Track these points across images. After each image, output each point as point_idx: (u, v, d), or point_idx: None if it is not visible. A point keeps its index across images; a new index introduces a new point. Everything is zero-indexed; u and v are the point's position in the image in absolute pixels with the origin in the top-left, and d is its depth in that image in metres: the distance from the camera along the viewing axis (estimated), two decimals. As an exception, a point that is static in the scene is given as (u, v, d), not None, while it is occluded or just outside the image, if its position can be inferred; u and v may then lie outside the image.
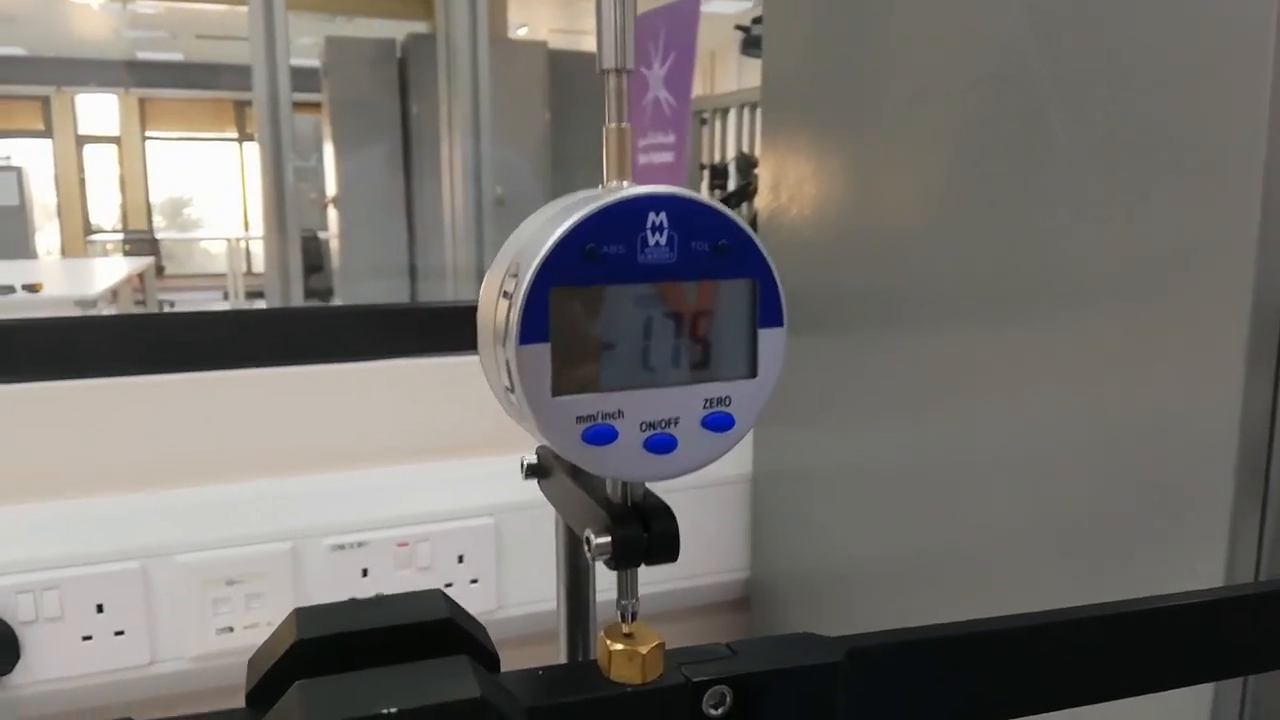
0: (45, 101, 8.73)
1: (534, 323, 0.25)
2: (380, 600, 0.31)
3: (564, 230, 0.25)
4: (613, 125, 0.28)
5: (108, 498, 1.04)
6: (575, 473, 0.33)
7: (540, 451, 0.36)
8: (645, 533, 0.28)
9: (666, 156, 2.82)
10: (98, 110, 8.98)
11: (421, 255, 3.53)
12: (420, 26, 3.93)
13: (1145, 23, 0.65)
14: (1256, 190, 0.59)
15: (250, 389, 1.11)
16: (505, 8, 3.27)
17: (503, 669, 0.30)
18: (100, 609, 0.98)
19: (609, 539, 0.28)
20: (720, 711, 0.31)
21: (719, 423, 0.28)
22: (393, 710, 0.24)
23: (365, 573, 1.07)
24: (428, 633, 0.29)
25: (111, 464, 1.06)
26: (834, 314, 0.95)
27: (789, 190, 1.02)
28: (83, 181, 8.96)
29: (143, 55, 7.56)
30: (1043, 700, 0.34)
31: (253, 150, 8.39)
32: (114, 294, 4.36)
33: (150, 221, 8.89)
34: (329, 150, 3.84)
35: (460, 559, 1.14)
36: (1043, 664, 0.34)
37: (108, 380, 1.06)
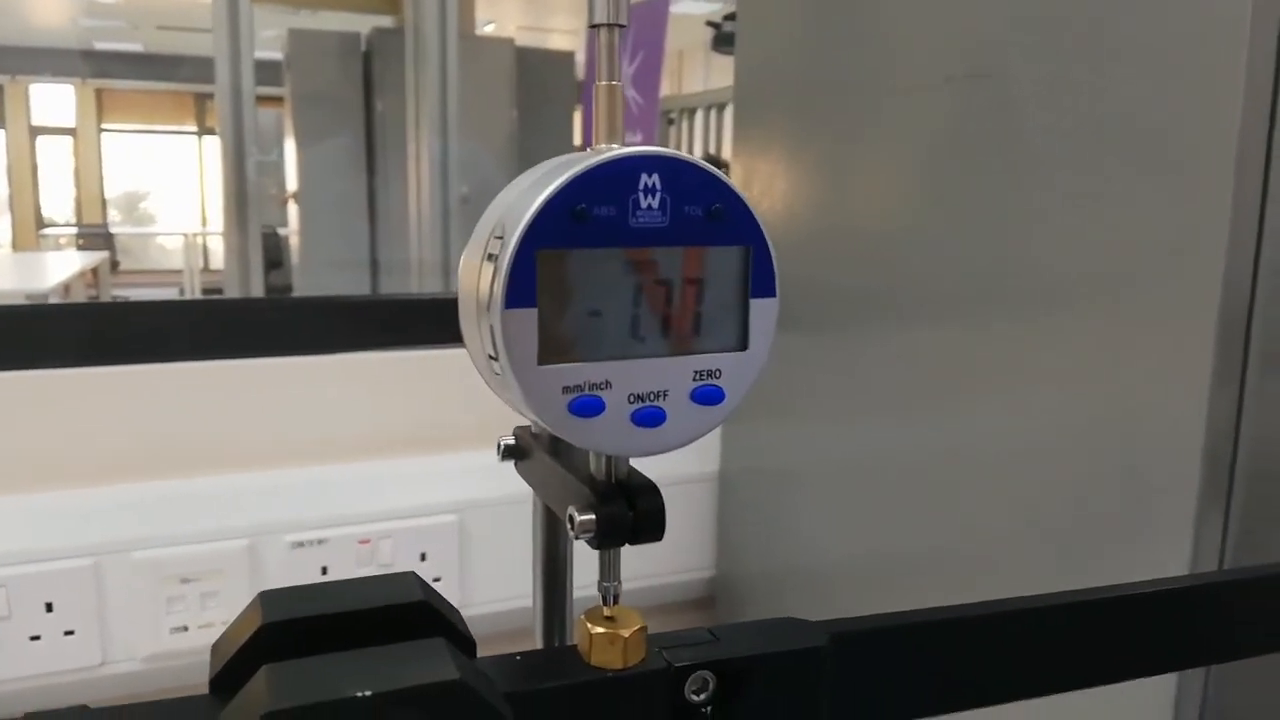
0: (-2, 90, 8.52)
1: (520, 286, 0.24)
2: (350, 583, 0.30)
3: (552, 190, 0.24)
4: (603, 83, 0.27)
5: (58, 492, 1.01)
6: (556, 451, 0.32)
7: (518, 432, 0.35)
8: (630, 510, 0.27)
9: (634, 156, 2.82)
10: (52, 101, 8.79)
11: (384, 252, 3.49)
12: (386, 21, 3.88)
13: (1121, 23, 0.65)
14: (1227, 190, 0.59)
15: (208, 381, 1.08)
16: (473, 4, 3.25)
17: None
18: (49, 608, 0.94)
19: (593, 516, 0.27)
20: (703, 697, 0.30)
21: (709, 396, 0.27)
22: (366, 693, 0.23)
23: (325, 570, 1.05)
24: (401, 616, 0.28)
25: (63, 457, 1.02)
26: (806, 311, 0.95)
27: (761, 186, 1.01)
28: (35, 173, 8.76)
29: (100, 45, 7.41)
30: (1022, 685, 0.34)
31: (212, 144, 8.25)
32: (66, 289, 4.27)
33: (105, 216, 8.71)
34: (290, 145, 3.78)
35: (423, 557, 1.12)
36: (1022, 649, 0.34)
37: (59, 371, 1.03)
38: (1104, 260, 0.67)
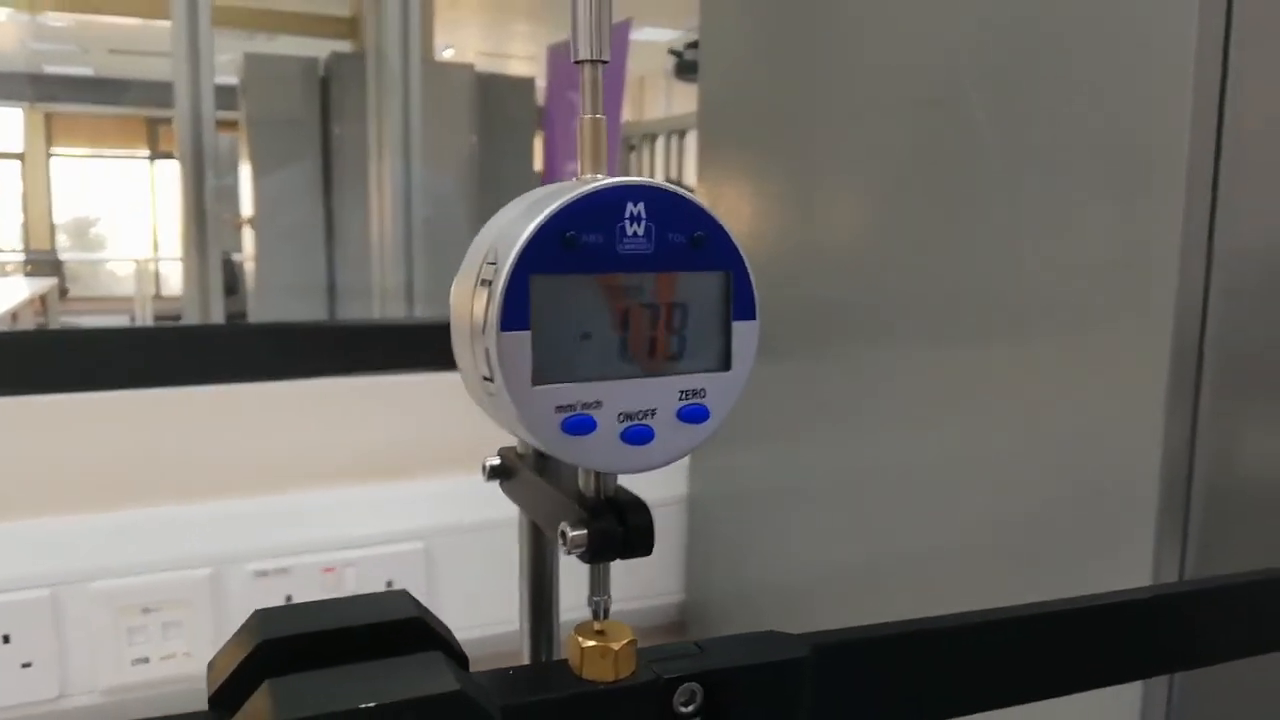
0: (-58, 115, 8.33)
1: (514, 310, 0.25)
2: (343, 601, 0.30)
3: (544, 217, 0.25)
4: (588, 117, 0.28)
5: (14, 522, 0.99)
6: (542, 470, 0.33)
7: (503, 453, 0.35)
8: (621, 526, 0.28)
9: (594, 181, 2.83)
10: (0, 125, 8.62)
11: (342, 277, 3.46)
12: (344, 46, 3.87)
13: (1074, 53, 0.68)
14: (1178, 217, 0.62)
15: (166, 408, 1.07)
16: (432, 29, 3.25)
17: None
18: (6, 639, 0.93)
19: (584, 532, 0.28)
20: (690, 709, 0.31)
21: (694, 414, 0.28)
22: (370, 705, 0.23)
23: (289, 599, 1.04)
24: (396, 632, 0.28)
25: (18, 486, 1.01)
26: (772, 335, 0.96)
27: (725, 210, 1.03)
28: (-19, 199, 8.57)
29: (50, 69, 7.30)
30: (998, 694, 0.35)
31: (165, 169, 8.12)
32: (14, 316, 4.17)
33: (54, 241, 8.54)
34: (245, 170, 3.75)
35: (389, 584, 1.12)
36: (998, 659, 0.35)
37: (12, 399, 1.02)
38: (1063, 284, 0.70)
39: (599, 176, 0.27)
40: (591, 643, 0.29)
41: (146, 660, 0.97)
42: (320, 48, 3.77)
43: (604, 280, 0.26)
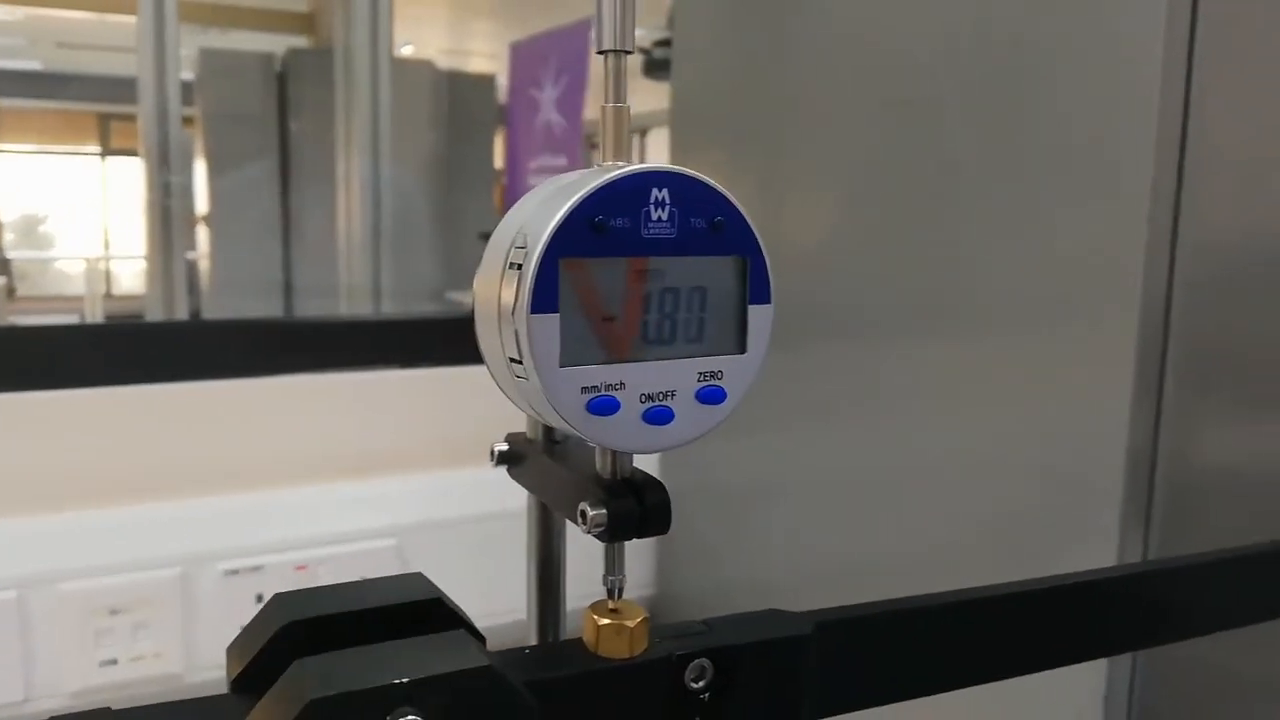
0: (-119, 110, 8.08)
1: (544, 292, 0.25)
2: (359, 584, 0.30)
3: (574, 202, 0.26)
4: (610, 105, 0.29)
5: (-21, 521, 0.97)
6: (554, 453, 0.33)
7: (511, 438, 0.36)
8: (639, 505, 0.29)
9: (558, 180, 2.83)
10: (-60, 120, 8.38)
11: (300, 275, 3.43)
12: (301, 41, 3.83)
13: (1043, 56, 0.69)
14: (1143, 215, 0.64)
15: (133, 406, 1.06)
16: (391, 25, 3.23)
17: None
18: (-29, 641, 0.91)
19: (604, 511, 0.28)
20: (701, 684, 0.32)
21: (712, 396, 0.29)
22: (404, 680, 0.24)
23: (260, 598, 1.03)
24: (417, 612, 0.29)
25: (-16, 485, 0.99)
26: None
27: (698, 207, 1.04)
28: (-78, 196, 8.32)
29: (-6, 64, 7.11)
30: (992, 668, 0.36)
31: (117, 166, 7.94)
32: (-41, 315, 4.06)
33: (0, 240, 8.33)
34: (201, 166, 3.70)
35: (362, 580, 1.11)
36: (993, 634, 0.36)
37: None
38: (1031, 282, 0.71)
39: (621, 163, 0.28)
40: (607, 620, 0.30)
41: (115, 662, 0.95)
42: (276, 43, 3.72)
43: (629, 264, 0.27)
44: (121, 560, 0.98)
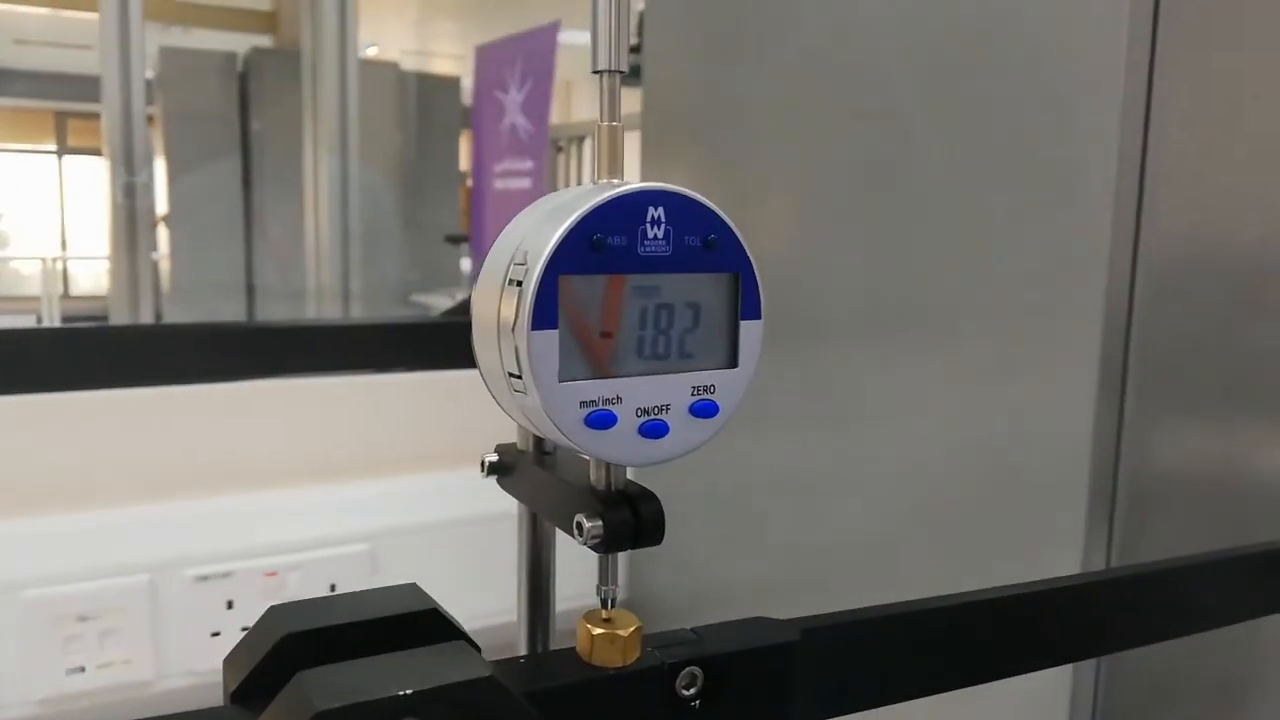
0: None
1: (545, 309, 0.26)
2: (354, 595, 0.31)
3: (574, 220, 0.26)
4: (604, 124, 0.29)
5: (-59, 529, 0.96)
6: (545, 463, 0.34)
7: (501, 449, 0.36)
8: (634, 517, 0.29)
9: (524, 183, 2.82)
10: (-111, 117, 8.16)
11: (262, 277, 3.39)
12: (263, 40, 3.79)
13: (1008, 67, 0.71)
14: (1106, 222, 0.65)
15: (100, 410, 1.04)
16: (358, 26, 3.21)
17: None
18: (-63, 649, 0.89)
19: (600, 523, 0.29)
20: (692, 691, 0.32)
21: (705, 409, 0.29)
22: (408, 692, 0.24)
23: (230, 605, 1.02)
24: (414, 624, 0.29)
25: (-53, 492, 0.97)
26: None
27: (671, 213, 1.05)
28: None
29: (-55, 60, 6.94)
30: (974, 671, 0.37)
31: (75, 165, 7.78)
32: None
33: (-51, 239, 8.13)
34: (161, 166, 3.65)
35: (333, 588, 1.10)
36: (973, 638, 0.37)
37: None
38: (996, 286, 0.73)
39: (616, 181, 0.28)
40: (600, 630, 0.30)
41: (83, 669, 0.94)
42: (238, 42, 3.68)
43: (626, 280, 0.27)
44: (89, 566, 0.96)
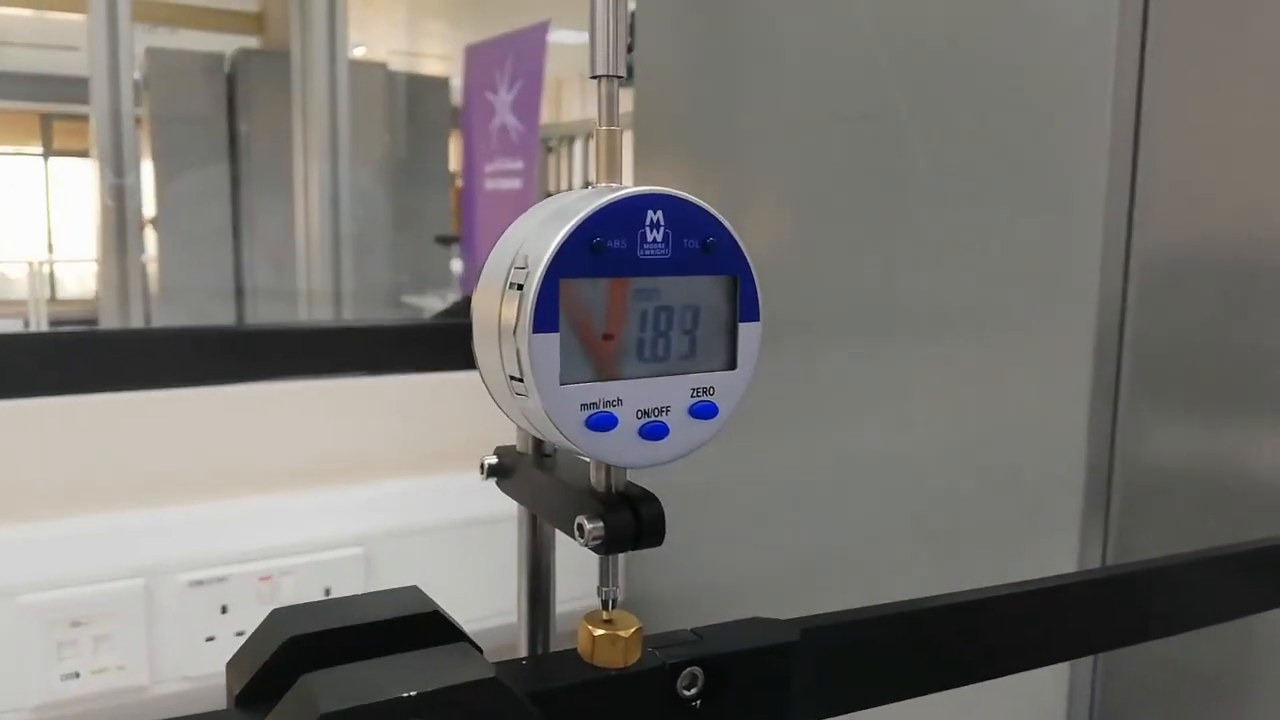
0: None
1: (546, 312, 0.26)
2: (356, 599, 0.31)
3: (575, 224, 0.26)
4: (604, 128, 0.29)
5: (-67, 534, 0.95)
6: (544, 465, 0.34)
7: (500, 451, 0.36)
8: (635, 519, 0.30)
9: (515, 183, 2.82)
10: (-128, 120, 8.10)
11: (252, 279, 3.39)
12: (250, 41, 3.78)
13: (997, 69, 0.71)
14: (1098, 221, 0.66)
15: (92, 415, 1.04)
16: (347, 27, 3.21)
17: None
18: (-71, 656, 0.89)
19: (601, 524, 0.29)
20: (693, 692, 0.32)
21: (704, 411, 0.30)
22: (412, 694, 0.24)
23: (225, 609, 1.02)
24: (417, 626, 0.29)
25: (-61, 497, 0.97)
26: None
27: (663, 213, 1.05)
28: None
29: (-73, 61, 6.88)
30: (972, 670, 0.37)
31: (61, 167, 7.73)
32: (-105, 321, 3.95)
33: (-66, 243, 8.08)
34: (148, 168, 3.64)
35: (328, 592, 1.10)
36: (971, 637, 0.37)
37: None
38: (991, 286, 0.73)
39: (615, 185, 0.29)
40: (602, 631, 0.31)
41: (77, 675, 0.93)
42: (225, 43, 3.67)
43: (626, 283, 0.28)
44: (83, 571, 0.96)
